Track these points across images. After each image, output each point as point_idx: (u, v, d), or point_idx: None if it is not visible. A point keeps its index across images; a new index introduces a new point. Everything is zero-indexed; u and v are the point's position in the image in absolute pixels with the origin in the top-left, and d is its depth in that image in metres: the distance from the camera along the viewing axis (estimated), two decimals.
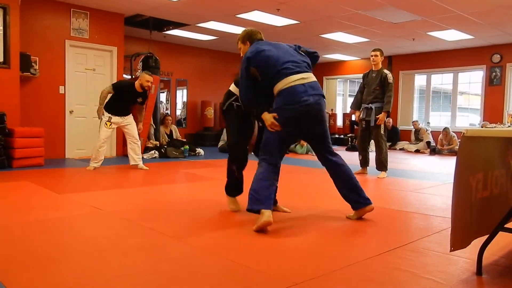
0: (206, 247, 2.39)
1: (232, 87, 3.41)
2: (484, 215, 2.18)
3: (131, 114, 5.92)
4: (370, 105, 5.54)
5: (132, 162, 5.84)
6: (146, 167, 5.87)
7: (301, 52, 3.07)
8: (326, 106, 3.54)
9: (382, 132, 5.53)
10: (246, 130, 3.34)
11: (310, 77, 2.90)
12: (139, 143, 5.94)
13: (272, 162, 2.99)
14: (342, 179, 3.19)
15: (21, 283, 1.85)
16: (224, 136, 9.20)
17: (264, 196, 2.78)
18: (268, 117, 2.88)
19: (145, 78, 5.65)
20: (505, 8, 6.74)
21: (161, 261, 2.15)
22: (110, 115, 5.65)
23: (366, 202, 3.16)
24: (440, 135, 9.89)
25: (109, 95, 5.68)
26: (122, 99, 5.69)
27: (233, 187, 3.42)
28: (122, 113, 5.76)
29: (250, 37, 3.18)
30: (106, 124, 5.61)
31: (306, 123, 2.91)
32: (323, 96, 2.96)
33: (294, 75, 2.83)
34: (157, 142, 8.00)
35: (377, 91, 5.53)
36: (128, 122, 5.83)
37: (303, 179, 5.38)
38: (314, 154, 9.65)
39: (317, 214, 3.40)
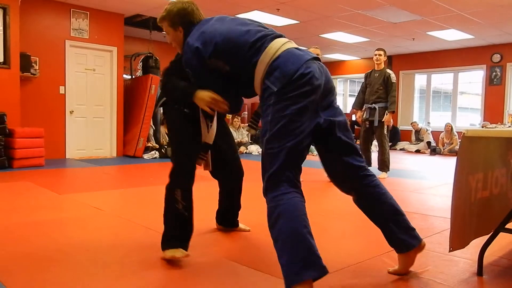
0: (206, 247, 2.38)
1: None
2: (484, 215, 2.17)
3: None
4: (373, 105, 5.54)
5: None
6: None
7: None
8: None
9: (385, 132, 5.53)
10: (195, 136, 2.26)
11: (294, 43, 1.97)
12: None
13: (294, 184, 1.88)
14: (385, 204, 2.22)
15: (21, 283, 1.84)
16: None
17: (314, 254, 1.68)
18: (206, 94, 1.99)
19: None
20: (505, 7, 6.74)
21: (162, 261, 2.15)
22: None
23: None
24: (442, 133, 9.88)
25: None
26: None
27: (177, 230, 2.19)
28: None
29: (184, 17, 2.25)
30: None
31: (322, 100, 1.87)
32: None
33: (279, 38, 1.89)
34: (157, 145, 7.97)
35: (380, 90, 5.52)
36: None
37: (302, 179, 5.37)
38: (315, 154, 9.57)
39: (317, 215, 3.40)
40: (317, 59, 1.86)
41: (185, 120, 2.22)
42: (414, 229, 2.05)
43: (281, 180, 1.83)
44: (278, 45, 1.83)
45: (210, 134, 2.33)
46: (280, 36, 1.92)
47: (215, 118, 2.37)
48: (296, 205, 1.77)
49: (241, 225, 2.81)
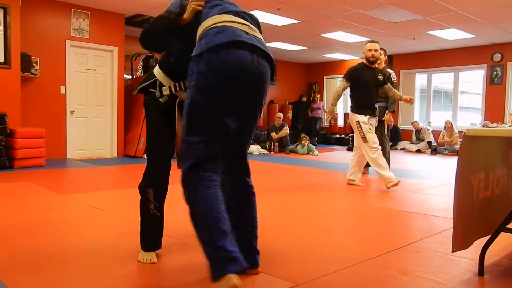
0: None
1: (156, 70, 2.27)
2: (486, 215, 2.17)
3: None
4: None
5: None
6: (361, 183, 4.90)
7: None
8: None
9: (385, 132, 5.52)
10: (172, 133, 2.08)
11: (258, 32, 1.84)
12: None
13: (209, 174, 1.69)
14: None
15: (21, 283, 1.84)
16: None
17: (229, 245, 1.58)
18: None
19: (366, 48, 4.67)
20: (506, 7, 6.73)
21: (162, 261, 2.15)
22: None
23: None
24: (442, 131, 9.86)
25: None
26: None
27: (148, 231, 2.15)
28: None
29: None
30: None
31: (244, 88, 1.73)
32: (271, 63, 1.82)
33: (238, 18, 1.80)
34: None
35: (381, 90, 5.51)
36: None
37: (303, 179, 5.38)
38: (315, 154, 9.47)
39: (318, 214, 3.40)
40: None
41: (162, 115, 2.06)
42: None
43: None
44: (222, 19, 1.76)
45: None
46: (244, 18, 1.82)
47: None
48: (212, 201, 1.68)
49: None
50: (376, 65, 4.76)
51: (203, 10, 1.85)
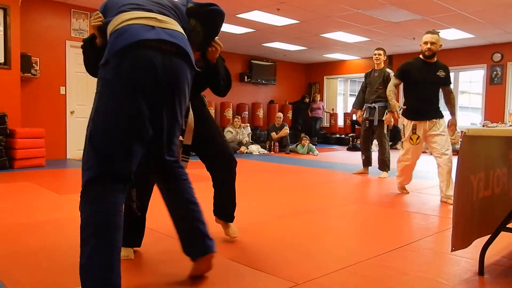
0: None
1: None
2: (486, 214, 2.17)
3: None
4: (373, 104, 5.53)
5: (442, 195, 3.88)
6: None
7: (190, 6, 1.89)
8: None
9: (385, 131, 5.53)
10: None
11: (171, 23, 1.69)
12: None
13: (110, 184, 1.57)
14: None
15: (21, 283, 1.85)
16: (225, 136, 9.19)
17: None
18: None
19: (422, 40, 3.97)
20: (506, 6, 6.73)
21: (163, 261, 2.15)
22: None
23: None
24: None
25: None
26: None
27: (132, 230, 2.17)
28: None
29: None
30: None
31: (151, 85, 1.60)
32: (185, 54, 1.67)
33: (139, 12, 1.64)
34: None
35: (380, 90, 5.52)
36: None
37: (303, 179, 5.38)
38: (315, 154, 9.49)
39: (318, 214, 3.40)
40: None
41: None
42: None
43: None
44: (126, 18, 1.61)
45: (187, 133, 2.20)
46: (150, 10, 1.67)
47: (190, 112, 2.21)
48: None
49: (231, 228, 2.53)
50: (435, 59, 3.90)
51: (105, 21, 1.71)
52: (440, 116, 3.90)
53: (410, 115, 3.95)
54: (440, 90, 4.02)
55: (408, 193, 4.24)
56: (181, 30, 1.72)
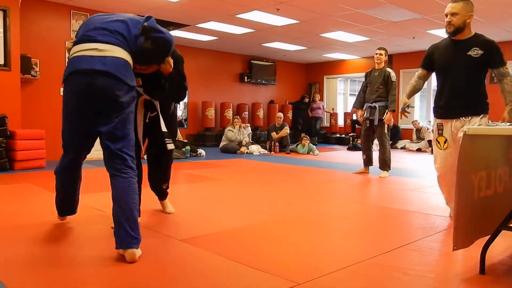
0: (208, 247, 2.38)
1: None
2: (488, 213, 2.17)
3: None
4: (373, 104, 5.53)
5: None
6: None
7: (144, 27, 2.34)
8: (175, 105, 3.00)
9: (385, 131, 5.53)
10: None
11: (109, 50, 2.17)
12: None
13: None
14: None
15: (21, 283, 1.84)
16: (225, 136, 9.20)
17: None
18: None
19: None
20: (505, 5, 6.72)
21: (163, 261, 2.15)
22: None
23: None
24: None
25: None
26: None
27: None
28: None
29: None
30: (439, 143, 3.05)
31: (83, 106, 2.25)
32: (113, 76, 2.15)
33: (87, 44, 2.19)
34: None
35: (381, 89, 5.51)
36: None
37: (304, 179, 5.38)
38: (316, 153, 9.50)
39: (318, 214, 3.39)
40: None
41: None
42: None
43: None
44: (77, 50, 2.24)
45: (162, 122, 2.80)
46: (96, 41, 2.20)
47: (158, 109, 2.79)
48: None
49: (168, 205, 3.20)
50: (468, 34, 2.93)
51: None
52: (475, 113, 2.86)
53: (435, 112, 3.07)
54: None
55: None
56: (119, 55, 2.19)
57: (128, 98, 2.22)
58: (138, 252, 2.13)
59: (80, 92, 2.21)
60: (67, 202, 2.77)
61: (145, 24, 2.34)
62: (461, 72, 2.88)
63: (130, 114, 2.27)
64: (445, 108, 2.98)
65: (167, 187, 3.22)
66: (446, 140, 2.97)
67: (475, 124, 2.82)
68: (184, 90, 2.84)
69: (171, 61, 2.58)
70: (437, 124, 3.04)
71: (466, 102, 2.87)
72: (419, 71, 3.22)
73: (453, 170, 2.60)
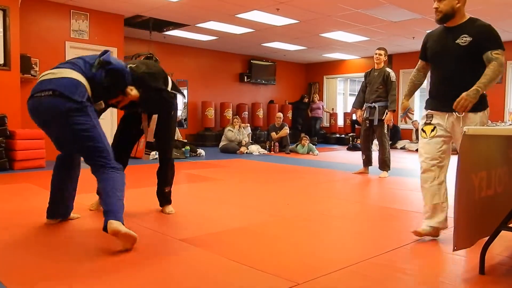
0: (208, 247, 2.38)
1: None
2: (489, 214, 2.17)
3: None
4: (373, 104, 5.53)
5: None
6: None
7: (99, 60, 2.62)
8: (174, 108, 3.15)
9: (385, 131, 5.53)
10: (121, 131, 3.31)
11: (61, 72, 2.53)
12: None
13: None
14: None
15: (21, 283, 1.84)
16: (225, 136, 9.20)
17: None
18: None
19: None
20: (505, 6, 6.73)
21: (163, 261, 2.15)
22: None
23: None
24: None
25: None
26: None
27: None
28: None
29: None
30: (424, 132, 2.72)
31: (41, 120, 2.57)
32: (63, 96, 2.41)
33: (49, 70, 2.60)
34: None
35: (380, 89, 5.51)
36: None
37: (303, 179, 5.38)
38: (316, 154, 9.48)
39: (318, 214, 3.40)
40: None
41: (124, 120, 3.24)
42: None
43: None
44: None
45: (149, 133, 3.04)
46: (56, 67, 2.60)
47: (153, 118, 3.02)
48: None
49: (169, 206, 3.26)
50: (460, 20, 2.57)
51: None
52: (475, 109, 2.45)
53: (426, 104, 2.76)
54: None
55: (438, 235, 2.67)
56: (72, 76, 2.50)
57: (76, 112, 2.44)
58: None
59: (34, 109, 2.52)
60: (57, 202, 2.82)
61: (101, 58, 2.60)
62: (451, 62, 2.59)
63: (79, 125, 2.45)
64: (437, 100, 2.67)
65: (169, 192, 3.26)
66: (434, 127, 2.63)
67: (474, 121, 2.48)
68: (167, 101, 3.00)
69: (130, 91, 2.78)
70: (426, 114, 2.70)
71: (457, 95, 2.46)
72: (418, 63, 2.97)
73: (443, 166, 2.61)
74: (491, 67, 2.39)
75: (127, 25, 8.06)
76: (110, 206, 2.36)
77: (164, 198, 3.28)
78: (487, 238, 2.08)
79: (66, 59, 7.00)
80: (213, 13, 7.49)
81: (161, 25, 8.47)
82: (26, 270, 2.02)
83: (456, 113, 2.49)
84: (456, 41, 2.53)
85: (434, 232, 2.60)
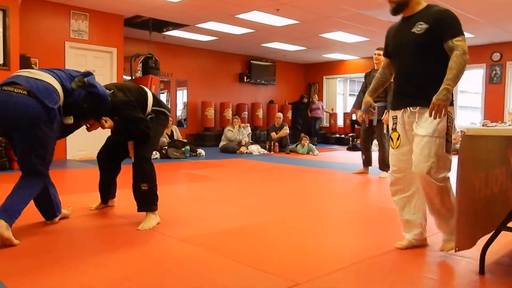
0: (208, 247, 2.39)
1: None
2: (486, 214, 2.18)
3: None
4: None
5: None
6: None
7: (84, 81, 2.60)
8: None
9: (385, 131, 5.53)
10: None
11: (40, 75, 2.50)
12: None
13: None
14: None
15: (21, 283, 1.84)
16: (225, 136, 9.20)
17: None
18: None
19: None
20: (505, 6, 6.73)
21: (163, 261, 2.15)
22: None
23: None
24: None
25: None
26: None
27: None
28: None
29: None
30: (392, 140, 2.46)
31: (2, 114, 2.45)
32: (37, 99, 2.38)
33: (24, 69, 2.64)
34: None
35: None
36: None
37: (303, 179, 5.38)
38: (315, 154, 9.48)
39: (318, 214, 3.40)
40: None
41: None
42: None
43: None
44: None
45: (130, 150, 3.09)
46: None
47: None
48: None
49: (147, 220, 2.93)
50: (416, 8, 2.32)
51: None
52: (425, 102, 2.21)
53: (393, 102, 2.50)
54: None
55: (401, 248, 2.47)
56: (49, 81, 2.46)
57: (43, 122, 2.43)
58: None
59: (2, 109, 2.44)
60: (41, 202, 2.82)
61: (85, 78, 2.59)
62: (407, 53, 2.33)
63: (41, 134, 2.45)
64: (397, 97, 2.42)
65: (149, 191, 2.90)
66: (399, 136, 2.40)
67: (429, 118, 2.17)
68: (143, 132, 2.88)
69: (105, 122, 2.89)
70: (392, 117, 2.45)
71: (414, 89, 2.28)
72: (384, 61, 2.68)
73: (410, 178, 2.35)
74: (455, 59, 2.13)
75: (127, 25, 8.06)
76: (14, 206, 2.45)
77: (141, 199, 2.89)
78: (485, 238, 2.09)
79: (66, 59, 7.07)
80: (213, 13, 7.49)
81: (161, 25, 8.47)
82: (26, 271, 2.02)
83: (410, 108, 2.30)
84: (412, 30, 2.29)
85: (418, 243, 2.45)
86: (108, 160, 3.28)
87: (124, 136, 3.05)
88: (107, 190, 3.35)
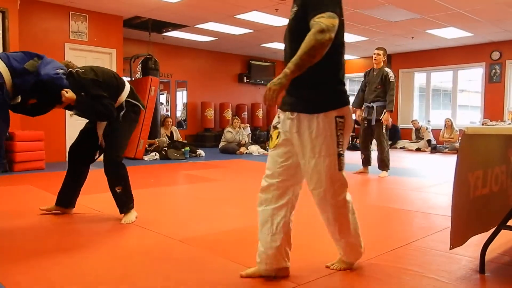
0: (208, 248, 2.38)
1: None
2: (483, 212, 2.17)
3: None
4: (371, 104, 5.53)
5: None
6: None
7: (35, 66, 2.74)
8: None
9: (384, 131, 5.53)
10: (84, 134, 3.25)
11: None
12: None
13: None
14: None
15: (21, 283, 1.84)
16: (224, 137, 9.20)
17: None
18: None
19: None
20: (504, 5, 6.74)
21: (163, 262, 2.15)
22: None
23: None
24: (442, 129, 9.98)
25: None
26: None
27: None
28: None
29: None
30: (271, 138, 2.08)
31: None
32: None
33: None
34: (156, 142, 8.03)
35: (379, 89, 5.51)
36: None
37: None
38: None
39: (318, 214, 3.39)
40: None
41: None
42: None
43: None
44: None
45: (99, 136, 3.12)
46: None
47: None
48: None
49: (128, 215, 3.00)
50: None
51: None
52: (309, 108, 1.83)
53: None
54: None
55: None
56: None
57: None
58: None
59: None
60: None
61: (37, 63, 2.70)
62: (286, 44, 1.94)
63: None
64: (288, 97, 1.93)
65: (123, 193, 3.02)
66: (279, 134, 1.96)
67: (314, 128, 1.83)
68: (105, 110, 2.91)
69: (65, 93, 2.86)
70: (277, 115, 1.99)
71: (295, 88, 1.83)
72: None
73: (286, 187, 2.03)
74: (306, 38, 1.66)
75: (126, 26, 8.06)
76: None
77: (118, 202, 3.03)
78: (485, 236, 2.08)
79: (65, 59, 7.06)
80: (212, 14, 7.49)
81: (160, 26, 8.47)
82: (26, 272, 2.02)
83: (288, 113, 1.87)
84: (290, 18, 1.91)
85: (267, 274, 1.98)
86: (79, 157, 3.23)
87: (87, 114, 3.06)
88: (73, 193, 3.26)
